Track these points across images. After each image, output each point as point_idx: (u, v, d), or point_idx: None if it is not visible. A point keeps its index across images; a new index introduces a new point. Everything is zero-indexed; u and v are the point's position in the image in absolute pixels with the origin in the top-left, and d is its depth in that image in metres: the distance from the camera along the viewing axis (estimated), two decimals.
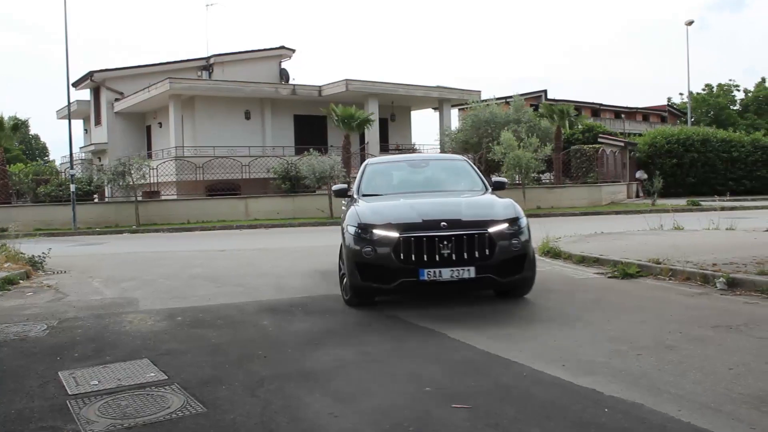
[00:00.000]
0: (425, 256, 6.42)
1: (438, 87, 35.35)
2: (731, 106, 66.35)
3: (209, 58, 36.80)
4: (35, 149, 76.72)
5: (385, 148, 34.19)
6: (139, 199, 25.35)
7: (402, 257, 6.44)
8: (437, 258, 6.42)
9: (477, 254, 6.50)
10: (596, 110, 57.48)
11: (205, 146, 30.83)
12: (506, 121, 28.66)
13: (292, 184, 26.13)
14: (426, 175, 9.11)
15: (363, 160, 32.76)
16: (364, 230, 6.74)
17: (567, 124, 30.16)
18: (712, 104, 65.16)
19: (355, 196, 8.19)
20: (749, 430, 3.53)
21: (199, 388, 4.44)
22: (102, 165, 30.47)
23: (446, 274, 6.39)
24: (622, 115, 60.25)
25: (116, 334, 6.24)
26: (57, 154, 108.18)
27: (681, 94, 72.96)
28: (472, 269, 6.45)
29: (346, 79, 31.83)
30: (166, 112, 32.49)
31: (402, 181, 8.87)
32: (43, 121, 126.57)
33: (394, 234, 6.51)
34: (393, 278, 6.49)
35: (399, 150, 33.68)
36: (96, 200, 28.45)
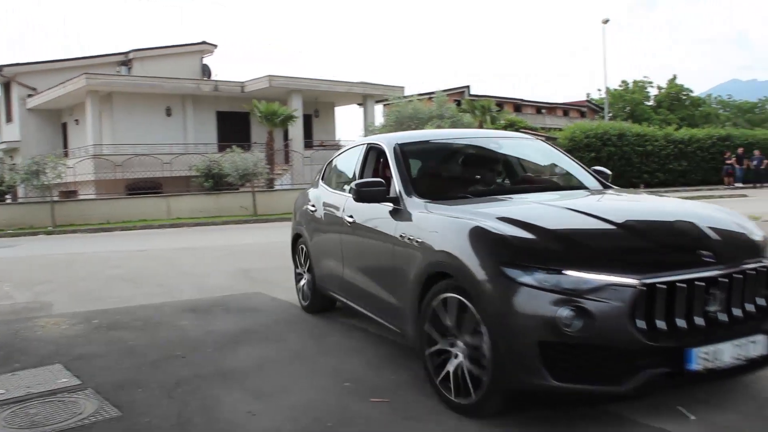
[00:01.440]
0: (687, 320, 3.31)
1: (361, 83, 35.36)
2: (645, 102, 68.80)
3: (128, 53, 35.79)
4: None
5: (309, 144, 34.03)
6: (55, 199, 24.48)
7: (650, 326, 3.25)
8: (703, 321, 3.35)
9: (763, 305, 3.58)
10: (518, 106, 58.60)
11: (124, 144, 29.96)
12: (429, 117, 28.92)
13: (215, 181, 25.73)
14: (507, 162, 5.90)
15: (287, 156, 32.99)
16: (542, 272, 3.33)
17: (489, 119, 30.69)
18: (628, 100, 67.48)
19: (405, 198, 4.62)
20: None
21: (114, 392, 4.33)
22: (14, 164, 29.32)
23: (727, 353, 3.33)
24: (543, 111, 61.59)
25: (27, 340, 6.01)
26: None
27: (599, 90, 75.24)
28: (762, 339, 3.45)
29: (269, 75, 31.47)
30: (83, 109, 31.41)
31: (475, 173, 5.63)
32: None
33: (629, 280, 3.23)
34: (628, 371, 3.23)
35: (323, 147, 33.57)
36: (9, 201, 27.35)
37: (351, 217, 5.32)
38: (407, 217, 4.44)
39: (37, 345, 5.78)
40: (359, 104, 38.56)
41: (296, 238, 6.97)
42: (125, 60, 35.69)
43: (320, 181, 6.73)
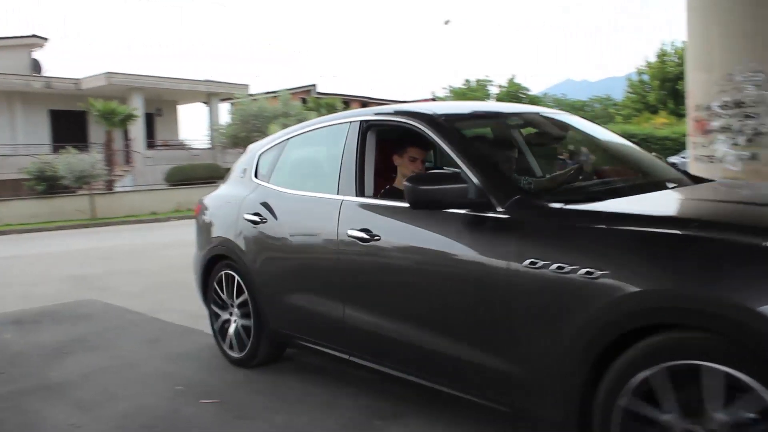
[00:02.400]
0: None
1: (206, 81, 34.53)
2: (486, 100, 72.01)
3: None
4: None
5: (152, 144, 32.89)
6: None
7: None
8: None
9: None
10: (365, 103, 59.39)
11: None
12: (274, 115, 28.84)
13: (48, 185, 24.28)
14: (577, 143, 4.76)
15: (129, 157, 31.66)
16: None
17: None
18: (471, 98, 70.28)
19: (516, 200, 3.05)
20: None
21: None
22: None
23: None
24: None
25: None
26: None
27: (444, 88, 77.87)
28: None
29: (108, 72, 30.02)
30: None
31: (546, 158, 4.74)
32: None
33: None
34: None
35: (167, 146, 32.58)
36: None
37: (366, 233, 3.55)
38: (539, 231, 2.87)
39: None
40: (204, 102, 37.74)
41: (213, 263, 4.94)
42: None
43: (253, 178, 4.79)
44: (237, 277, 4.64)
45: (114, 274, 9.58)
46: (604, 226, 2.71)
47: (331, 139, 4.25)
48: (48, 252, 13.71)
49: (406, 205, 3.21)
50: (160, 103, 34.96)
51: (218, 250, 4.84)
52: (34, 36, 36.05)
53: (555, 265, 2.68)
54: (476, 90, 71.03)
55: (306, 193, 4.29)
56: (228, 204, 4.90)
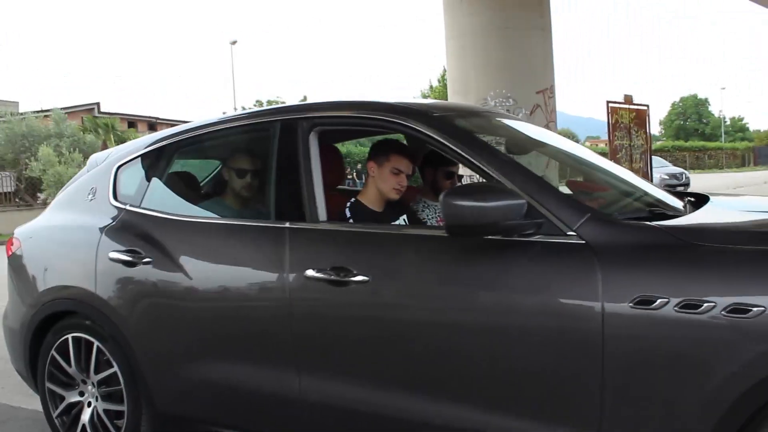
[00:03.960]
0: None
1: None
2: None
3: None
4: None
5: None
6: None
7: None
8: None
9: None
10: (152, 124, 57.18)
11: None
12: (47, 135, 26.85)
13: None
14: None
15: None
16: None
17: (113, 138, 29.44)
18: None
19: (585, 222, 2.27)
20: None
21: None
22: None
23: None
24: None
25: None
26: None
27: (236, 109, 76.97)
28: None
29: None
30: None
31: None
32: None
33: None
34: None
35: None
36: None
37: (340, 272, 2.60)
38: (645, 258, 2.13)
39: None
40: None
41: (48, 324, 3.53)
42: None
43: (112, 200, 3.47)
44: (96, 343, 3.32)
45: None
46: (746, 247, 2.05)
47: (250, 145, 3.32)
48: None
49: (413, 230, 2.63)
50: None
51: (60, 306, 3.46)
52: None
53: (678, 301, 1.97)
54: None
55: (217, 220, 3.22)
56: (73, 238, 3.55)
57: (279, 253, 2.76)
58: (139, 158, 3.52)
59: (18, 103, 33.40)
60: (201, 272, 3.02)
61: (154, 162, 3.46)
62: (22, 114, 31.13)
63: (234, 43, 42.43)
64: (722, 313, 1.89)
